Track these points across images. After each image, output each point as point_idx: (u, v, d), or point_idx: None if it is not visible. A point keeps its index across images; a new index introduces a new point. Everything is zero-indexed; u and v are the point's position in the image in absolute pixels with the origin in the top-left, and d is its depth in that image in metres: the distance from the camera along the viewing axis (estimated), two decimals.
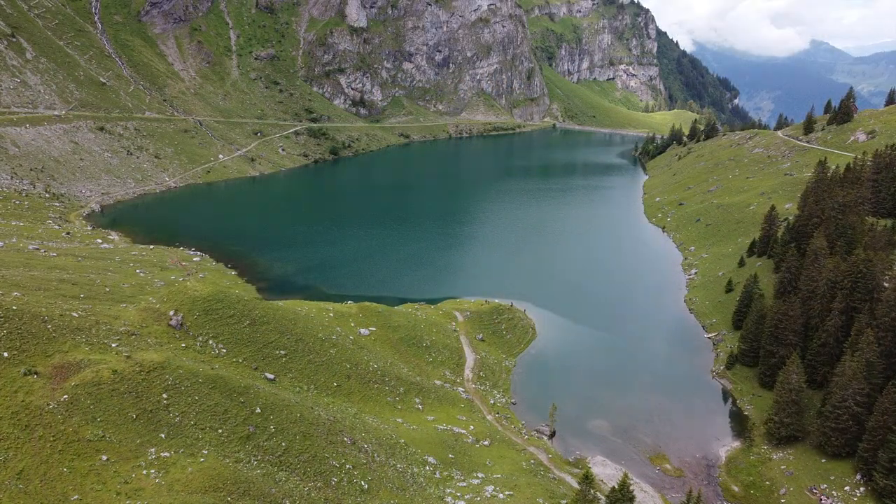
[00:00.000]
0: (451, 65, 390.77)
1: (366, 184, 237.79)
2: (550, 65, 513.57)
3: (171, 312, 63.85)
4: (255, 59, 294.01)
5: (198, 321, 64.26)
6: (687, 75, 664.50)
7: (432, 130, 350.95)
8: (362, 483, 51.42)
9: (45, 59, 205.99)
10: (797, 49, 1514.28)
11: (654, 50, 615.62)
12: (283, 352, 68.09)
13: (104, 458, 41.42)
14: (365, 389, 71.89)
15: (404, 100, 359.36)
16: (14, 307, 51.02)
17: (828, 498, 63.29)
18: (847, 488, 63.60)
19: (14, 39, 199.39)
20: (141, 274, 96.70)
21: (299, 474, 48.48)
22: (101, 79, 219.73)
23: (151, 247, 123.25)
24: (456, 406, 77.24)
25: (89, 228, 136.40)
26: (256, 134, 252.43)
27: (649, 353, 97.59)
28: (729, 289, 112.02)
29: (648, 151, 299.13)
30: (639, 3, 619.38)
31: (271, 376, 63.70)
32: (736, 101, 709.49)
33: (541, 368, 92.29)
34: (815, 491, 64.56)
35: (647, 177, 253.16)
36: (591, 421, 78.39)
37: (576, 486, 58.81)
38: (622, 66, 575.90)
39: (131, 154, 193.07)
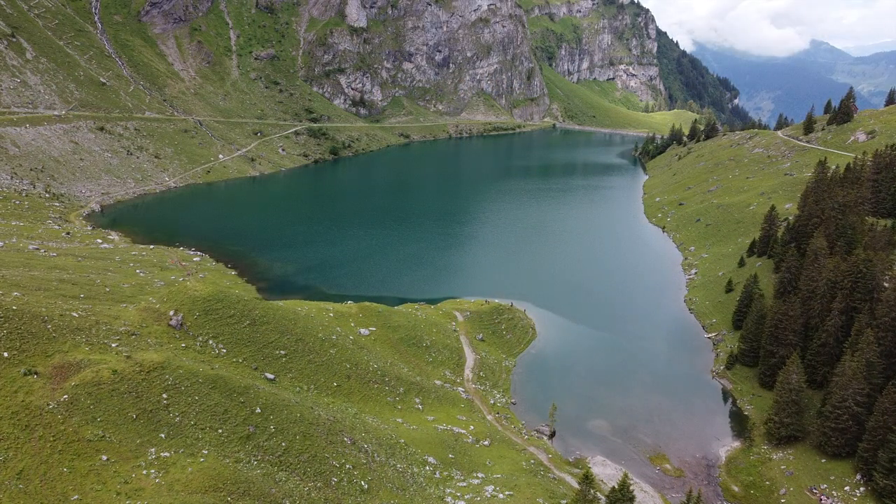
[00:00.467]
0: (451, 65, 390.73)
1: (366, 184, 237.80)
2: (550, 65, 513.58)
3: (171, 312, 63.86)
4: (255, 59, 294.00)
5: (198, 321, 64.27)
6: (687, 75, 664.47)
7: (432, 130, 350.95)
8: (362, 483, 51.43)
9: (45, 59, 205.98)
10: (797, 49, 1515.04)
11: (654, 50, 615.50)
12: (283, 352, 68.11)
13: (104, 458, 41.43)
14: (365, 389, 71.90)
15: (404, 100, 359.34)
16: (14, 307, 51.04)
17: (828, 498, 63.30)
18: (847, 488, 63.61)
19: (14, 39, 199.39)
20: (141, 274, 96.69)
21: (299, 474, 48.48)
22: (101, 79, 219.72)
23: (151, 247, 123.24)
24: (456, 406, 77.25)
25: (89, 228, 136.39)
26: (256, 134, 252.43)
27: (649, 353, 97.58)
28: (729, 289, 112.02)
29: (648, 151, 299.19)
30: (639, 3, 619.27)
31: (271, 376, 63.72)
32: (736, 101, 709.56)
33: (541, 368, 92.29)
34: (815, 491, 64.57)
35: (647, 177, 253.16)
36: (591, 421, 78.38)
37: (576, 486, 58.83)
38: (622, 66, 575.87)
39: (131, 154, 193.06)
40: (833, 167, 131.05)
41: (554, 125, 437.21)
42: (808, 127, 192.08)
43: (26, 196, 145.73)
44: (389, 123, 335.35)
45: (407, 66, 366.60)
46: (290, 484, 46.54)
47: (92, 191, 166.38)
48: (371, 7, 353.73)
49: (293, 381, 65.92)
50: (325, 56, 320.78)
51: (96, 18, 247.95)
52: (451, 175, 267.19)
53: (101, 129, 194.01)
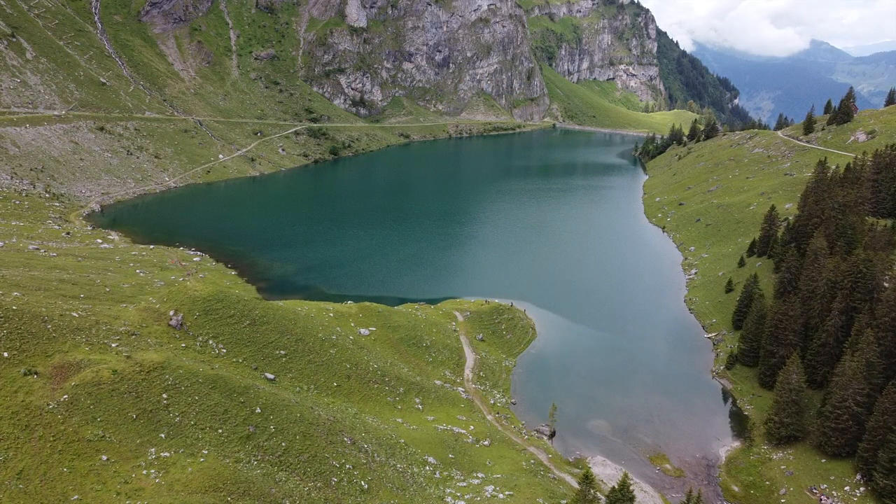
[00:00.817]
0: (451, 65, 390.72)
1: (366, 184, 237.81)
2: (550, 65, 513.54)
3: (171, 312, 63.86)
4: (255, 59, 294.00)
5: (198, 321, 64.28)
6: (687, 75, 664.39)
7: (432, 130, 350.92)
8: (362, 483, 51.42)
9: (45, 59, 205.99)
10: (797, 49, 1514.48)
11: (654, 50, 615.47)
12: (283, 352, 68.10)
13: (104, 458, 41.44)
14: (365, 389, 71.91)
15: (404, 100, 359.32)
16: (14, 307, 51.04)
17: (828, 498, 63.30)
18: (847, 488, 63.61)
19: (14, 39, 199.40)
20: (141, 274, 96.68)
21: (299, 474, 48.48)
22: (101, 79, 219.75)
23: (151, 247, 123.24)
24: (456, 406, 77.25)
25: (89, 228, 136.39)
26: (256, 134, 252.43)
27: (649, 353, 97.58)
28: (729, 289, 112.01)
29: (648, 151, 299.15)
30: (639, 3, 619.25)
31: (271, 376, 63.71)
32: (736, 101, 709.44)
33: (541, 368, 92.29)
34: (815, 491, 64.57)
35: (647, 177, 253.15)
36: (591, 421, 78.39)
37: (576, 486, 58.83)
38: (622, 66, 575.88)
39: (131, 154, 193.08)
40: (833, 167, 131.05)
41: (554, 125, 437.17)
42: (808, 127, 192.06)
43: (26, 196, 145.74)
44: (389, 123, 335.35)
45: (407, 66, 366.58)
46: (290, 484, 46.55)
47: (92, 191, 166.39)
48: (371, 7, 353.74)
49: (293, 381, 65.92)
50: (325, 56, 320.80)
51: (96, 18, 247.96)
52: (451, 175, 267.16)
53: (101, 129, 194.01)
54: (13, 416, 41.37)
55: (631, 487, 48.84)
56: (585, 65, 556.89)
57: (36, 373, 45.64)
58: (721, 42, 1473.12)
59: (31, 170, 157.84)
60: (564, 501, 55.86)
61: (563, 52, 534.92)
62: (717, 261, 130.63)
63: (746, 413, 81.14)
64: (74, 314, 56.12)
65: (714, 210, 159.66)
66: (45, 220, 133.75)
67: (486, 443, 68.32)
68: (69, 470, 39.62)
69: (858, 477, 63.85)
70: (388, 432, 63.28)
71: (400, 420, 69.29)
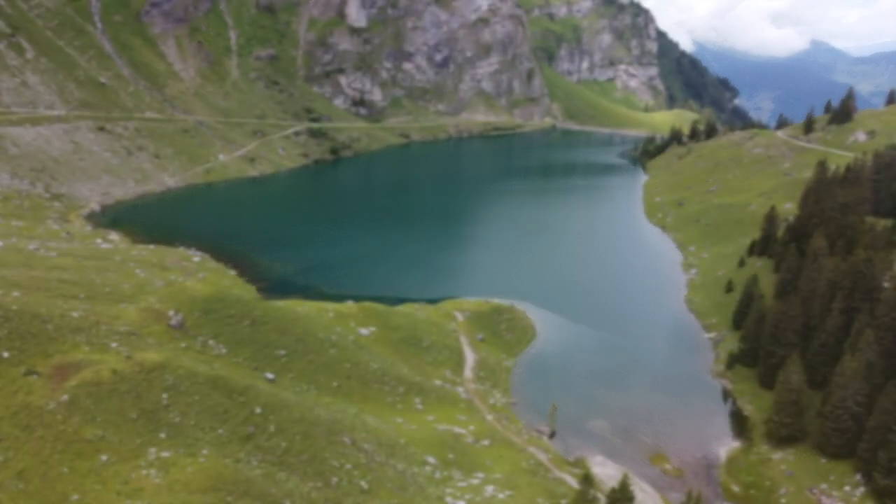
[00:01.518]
0: (451, 65, 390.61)
1: (366, 184, 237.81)
2: (550, 65, 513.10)
3: (171, 312, 63.89)
4: (255, 59, 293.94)
5: (198, 321, 64.32)
6: (687, 75, 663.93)
7: (432, 130, 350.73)
8: (362, 483, 51.42)
9: (45, 59, 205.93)
10: (797, 49, 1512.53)
11: (654, 50, 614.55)
12: (283, 352, 68.11)
13: (104, 458, 41.43)
14: (365, 389, 71.90)
15: (404, 100, 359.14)
16: (14, 307, 51.07)
17: (828, 498, 63.30)
18: (847, 488, 63.61)
19: (14, 39, 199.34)
20: (141, 274, 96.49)
21: (299, 474, 48.47)
22: (101, 79, 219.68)
23: (151, 247, 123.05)
24: (456, 406, 77.24)
25: (89, 228, 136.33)
26: (256, 134, 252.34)
27: (649, 353, 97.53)
28: (729, 289, 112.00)
29: (648, 151, 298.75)
30: (639, 4, 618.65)
31: (271, 376, 63.72)
32: (736, 101, 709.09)
33: (541, 368, 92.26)
34: (815, 491, 64.57)
35: (647, 177, 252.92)
36: (591, 421, 78.37)
37: (576, 486, 58.80)
38: (622, 66, 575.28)
39: (131, 154, 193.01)
40: (833, 167, 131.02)
41: (554, 125, 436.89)
42: (808, 127, 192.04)
43: (26, 196, 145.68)
44: (389, 123, 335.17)
45: (407, 66, 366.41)
46: (290, 484, 46.54)
47: (92, 191, 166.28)
48: (371, 7, 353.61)
49: (293, 381, 65.92)
50: (325, 56, 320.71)
51: (96, 18, 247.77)
52: (451, 175, 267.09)
53: (101, 129, 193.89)
54: (13, 416, 41.39)
55: (631, 487, 48.86)
56: (585, 65, 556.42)
57: (36, 373, 45.66)
58: (721, 42, 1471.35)
59: (31, 170, 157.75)
60: (564, 501, 55.87)
61: (563, 52, 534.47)
62: (717, 261, 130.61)
63: (746, 413, 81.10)
64: (74, 314, 56.13)
65: (714, 210, 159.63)
66: (45, 220, 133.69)
67: (486, 443, 68.31)
68: (69, 470, 39.62)
69: (858, 477, 63.86)
70: (388, 432, 63.29)
71: (400, 420, 69.29)
